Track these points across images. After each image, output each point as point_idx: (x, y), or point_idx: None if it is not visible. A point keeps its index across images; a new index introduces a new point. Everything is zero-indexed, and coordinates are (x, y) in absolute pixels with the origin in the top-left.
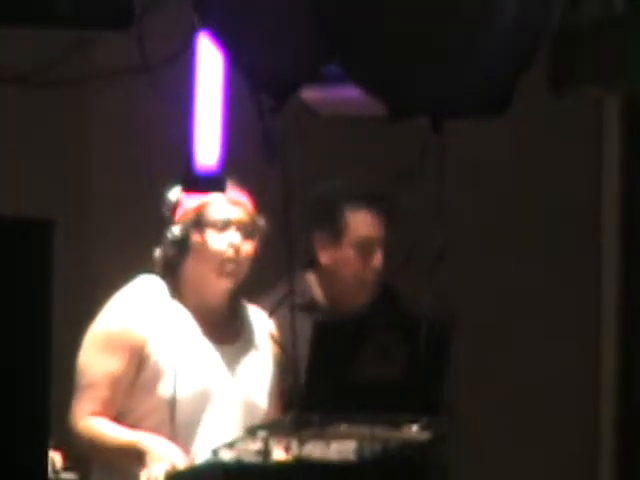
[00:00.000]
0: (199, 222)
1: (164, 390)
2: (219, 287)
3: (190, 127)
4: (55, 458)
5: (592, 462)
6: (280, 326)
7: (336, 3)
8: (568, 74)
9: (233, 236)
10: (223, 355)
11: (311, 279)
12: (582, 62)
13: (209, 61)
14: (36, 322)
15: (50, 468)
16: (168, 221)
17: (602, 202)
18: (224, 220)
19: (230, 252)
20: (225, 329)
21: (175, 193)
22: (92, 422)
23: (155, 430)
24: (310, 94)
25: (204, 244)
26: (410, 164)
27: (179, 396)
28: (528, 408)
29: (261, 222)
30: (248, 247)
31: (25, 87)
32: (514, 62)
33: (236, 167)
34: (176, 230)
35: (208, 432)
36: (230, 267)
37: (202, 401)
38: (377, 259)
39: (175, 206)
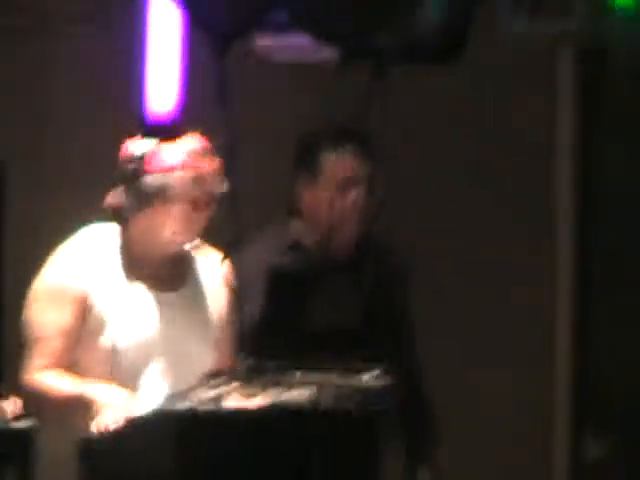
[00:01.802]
0: (165, 186)
1: (106, 340)
2: (166, 248)
3: (143, 75)
4: (5, 406)
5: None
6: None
7: None
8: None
9: (193, 212)
10: (167, 303)
11: (297, 222)
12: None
13: (161, 9)
14: None
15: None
16: (134, 172)
17: (556, 154)
18: (189, 193)
19: (187, 225)
20: (172, 276)
21: (145, 145)
22: (43, 376)
23: (98, 379)
24: (261, 41)
25: (165, 209)
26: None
27: (120, 346)
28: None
29: (222, 190)
30: (205, 216)
31: None
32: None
33: (189, 112)
34: (143, 183)
35: (152, 382)
36: (182, 238)
37: (144, 350)
38: (356, 197)
39: (143, 158)
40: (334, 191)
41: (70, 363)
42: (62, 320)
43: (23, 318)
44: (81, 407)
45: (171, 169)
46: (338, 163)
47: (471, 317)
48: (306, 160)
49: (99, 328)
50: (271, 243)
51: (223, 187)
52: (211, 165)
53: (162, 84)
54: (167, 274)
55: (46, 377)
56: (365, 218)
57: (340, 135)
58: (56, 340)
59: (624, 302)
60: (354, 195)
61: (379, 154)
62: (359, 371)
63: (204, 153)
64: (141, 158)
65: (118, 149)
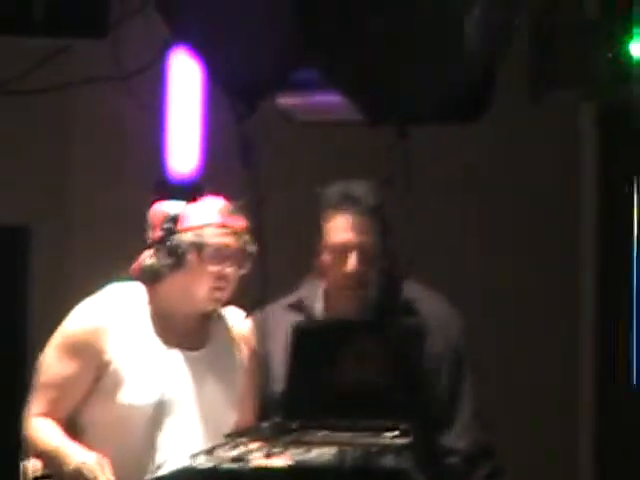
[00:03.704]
0: (200, 243)
1: (124, 397)
2: (201, 306)
3: (165, 134)
4: (29, 465)
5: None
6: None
7: (318, 9)
8: (546, 78)
9: (228, 268)
10: (191, 361)
11: (311, 282)
12: (558, 65)
13: (184, 69)
14: (13, 332)
15: (22, 477)
16: (169, 232)
17: (580, 204)
18: (223, 249)
19: (222, 283)
20: (197, 335)
21: (176, 206)
22: (36, 423)
23: (115, 437)
24: (286, 100)
25: (200, 267)
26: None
27: (138, 404)
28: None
29: (253, 249)
30: (238, 274)
31: (2, 94)
32: (483, 66)
33: (214, 174)
34: (177, 242)
35: (171, 441)
36: (218, 295)
37: (164, 408)
38: (351, 264)
39: (177, 218)
40: (332, 255)
41: (66, 412)
42: (70, 371)
43: (38, 361)
44: (56, 463)
45: (204, 227)
46: (334, 228)
47: None
48: (317, 222)
49: (117, 384)
50: (284, 303)
51: (253, 245)
52: (241, 223)
53: (184, 144)
54: (193, 333)
55: (39, 425)
56: (365, 283)
57: (342, 200)
58: (58, 390)
59: None
60: (351, 260)
61: (399, 216)
62: (381, 430)
63: (234, 212)
64: (174, 218)
65: (142, 210)
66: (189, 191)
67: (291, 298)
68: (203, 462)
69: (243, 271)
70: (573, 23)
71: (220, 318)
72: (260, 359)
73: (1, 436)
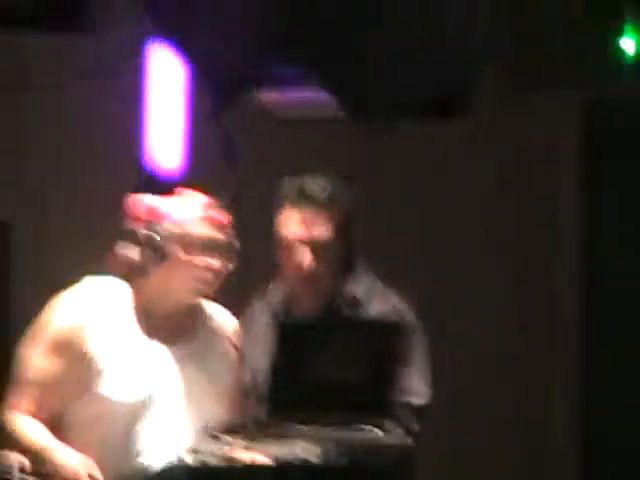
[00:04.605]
0: (185, 235)
1: (103, 391)
2: (186, 299)
3: (146, 129)
4: (22, 459)
5: None
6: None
7: (302, 7)
8: (533, 77)
9: (213, 260)
10: (174, 356)
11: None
12: (546, 64)
13: (165, 64)
14: None
15: (16, 472)
16: (148, 227)
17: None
18: (208, 241)
19: (207, 275)
20: (180, 331)
21: (158, 199)
22: (21, 420)
23: (98, 433)
24: (266, 97)
25: (185, 259)
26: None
27: (119, 398)
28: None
29: (237, 244)
30: (225, 268)
31: None
32: (465, 63)
33: (196, 169)
34: (163, 234)
35: (155, 435)
36: (203, 287)
37: (147, 404)
38: (302, 260)
39: (160, 210)
40: (284, 252)
41: (50, 411)
42: (54, 369)
43: (17, 354)
44: (38, 461)
45: (188, 220)
46: (283, 224)
47: None
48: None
49: (99, 380)
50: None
51: (237, 240)
52: (226, 217)
53: (164, 139)
54: (178, 327)
55: (25, 423)
56: (316, 280)
57: (296, 194)
58: (43, 388)
59: None
60: (300, 258)
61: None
62: (360, 424)
63: (218, 206)
64: (156, 211)
65: (120, 204)
66: (171, 186)
67: (265, 295)
68: (189, 459)
69: (230, 265)
70: (560, 21)
71: (205, 314)
72: (242, 355)
73: None
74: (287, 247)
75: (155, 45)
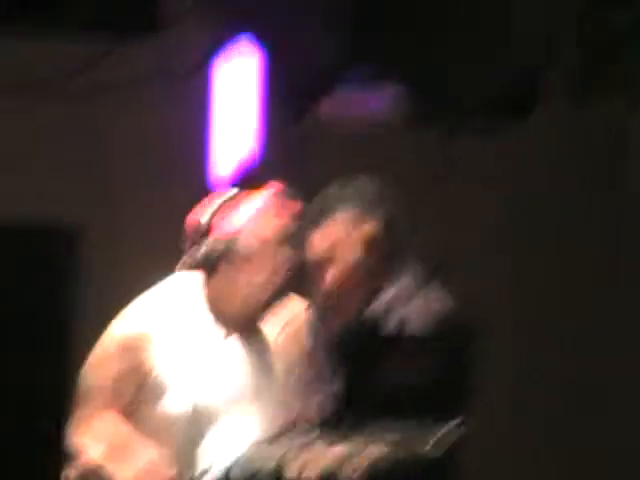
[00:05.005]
0: (252, 232)
1: (164, 406)
2: (259, 296)
3: (213, 136)
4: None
5: None
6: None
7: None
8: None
9: (285, 252)
10: (248, 354)
11: None
12: (609, 74)
13: (237, 68)
14: (59, 333)
15: None
16: (203, 238)
17: None
18: (278, 236)
19: (280, 269)
20: (253, 328)
21: (211, 210)
22: (94, 422)
23: (160, 442)
24: (325, 109)
25: (256, 256)
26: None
27: (180, 412)
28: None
29: (307, 233)
30: (295, 257)
31: (46, 96)
32: (532, 67)
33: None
34: (214, 244)
35: (224, 431)
36: (275, 282)
37: (219, 402)
38: (325, 281)
39: (212, 222)
40: (310, 271)
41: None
42: (117, 376)
43: (86, 364)
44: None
45: (238, 232)
46: (312, 242)
47: None
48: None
49: (158, 389)
50: None
51: (301, 244)
52: (297, 207)
53: (234, 145)
54: (248, 326)
55: (102, 420)
56: (339, 301)
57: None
58: (109, 393)
59: None
60: (324, 278)
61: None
62: (429, 427)
63: (289, 196)
64: (208, 224)
65: (187, 212)
66: (244, 181)
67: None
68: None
69: (301, 255)
70: (624, 29)
71: (281, 308)
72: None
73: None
74: (310, 267)
75: (229, 44)
